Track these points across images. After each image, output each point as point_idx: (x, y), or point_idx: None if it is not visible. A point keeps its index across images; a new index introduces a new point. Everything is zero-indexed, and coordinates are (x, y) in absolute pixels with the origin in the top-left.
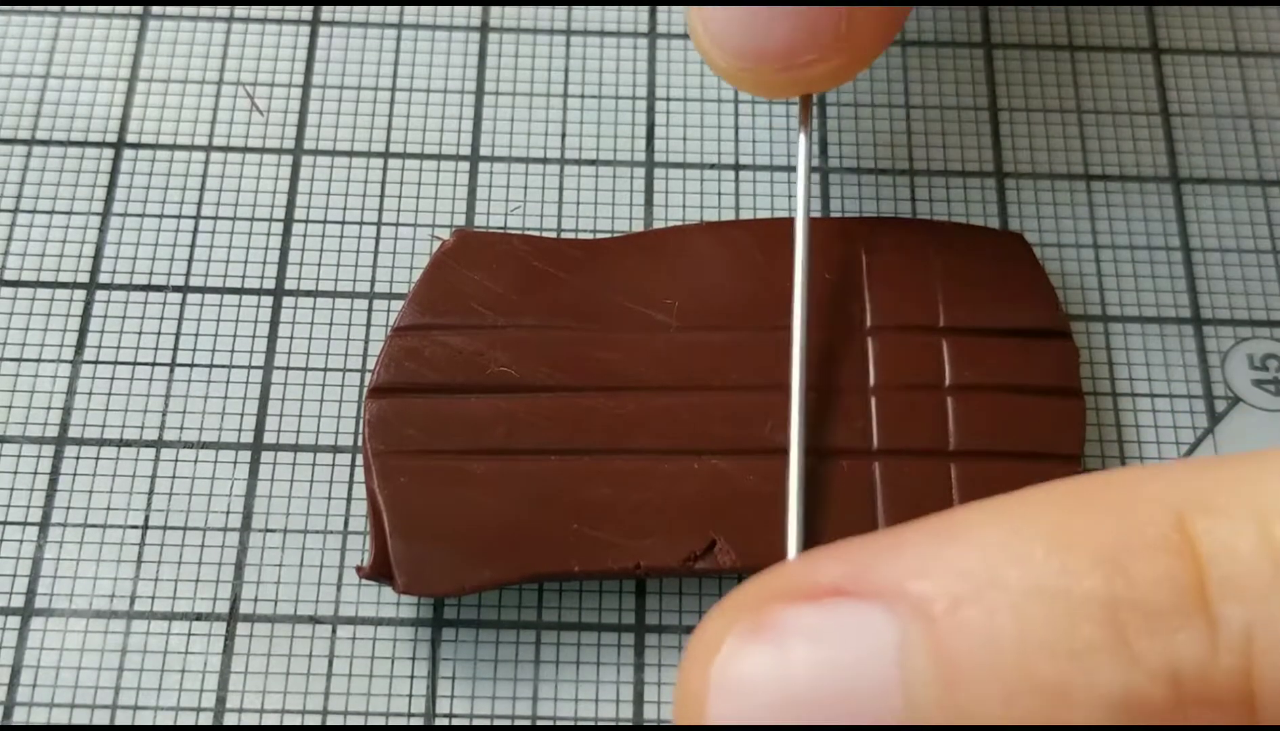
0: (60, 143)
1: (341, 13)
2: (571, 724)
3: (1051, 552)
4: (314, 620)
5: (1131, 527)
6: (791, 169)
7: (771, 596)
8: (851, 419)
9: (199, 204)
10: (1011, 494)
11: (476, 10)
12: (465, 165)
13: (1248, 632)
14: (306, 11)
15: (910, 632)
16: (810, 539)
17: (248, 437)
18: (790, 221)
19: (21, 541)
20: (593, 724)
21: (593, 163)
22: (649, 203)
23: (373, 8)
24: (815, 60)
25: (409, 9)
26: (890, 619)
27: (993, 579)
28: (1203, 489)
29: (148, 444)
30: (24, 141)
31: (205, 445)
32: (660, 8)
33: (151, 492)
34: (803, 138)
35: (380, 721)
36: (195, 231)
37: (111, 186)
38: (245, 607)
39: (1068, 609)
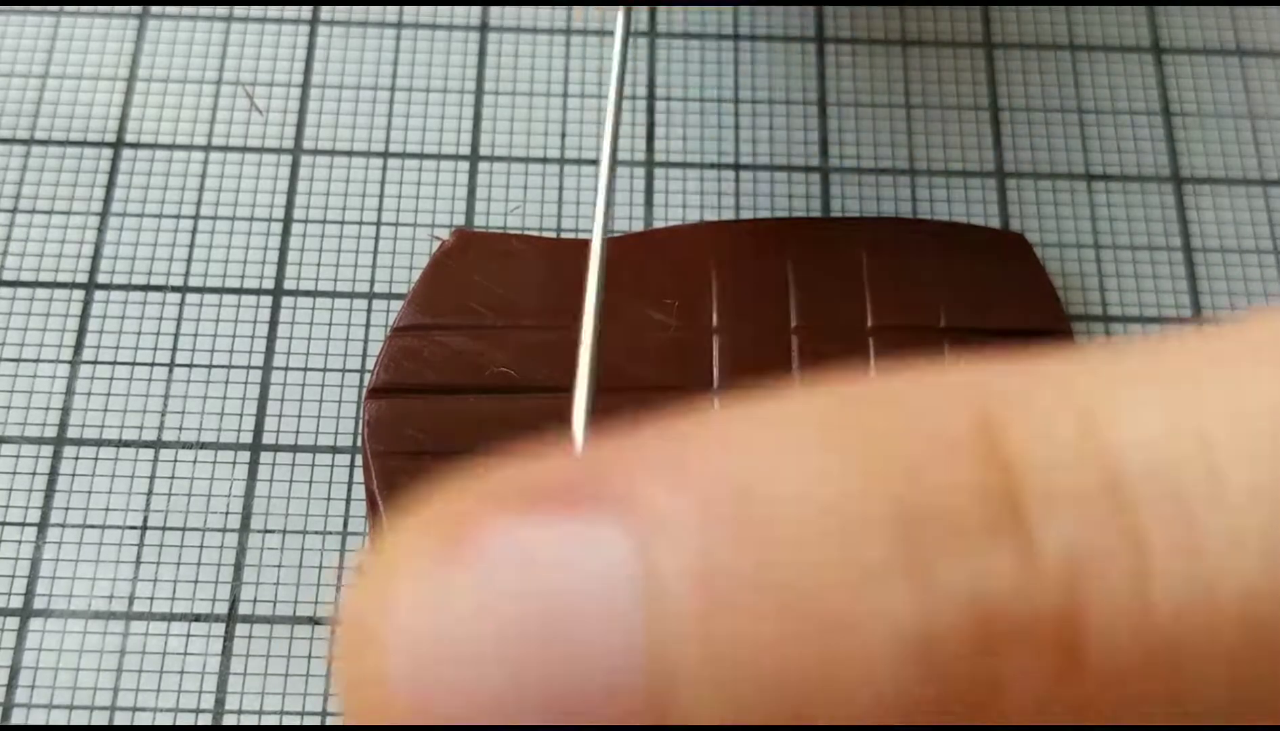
0: (59, 142)
1: (341, 12)
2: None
3: (833, 456)
4: (313, 621)
5: (929, 426)
6: (792, 168)
7: (474, 506)
8: None
9: (198, 204)
10: (789, 392)
11: (476, 10)
12: (465, 165)
13: (1071, 553)
14: (306, 11)
15: (653, 553)
16: None
17: (247, 438)
18: (791, 221)
19: (20, 542)
20: None
21: (593, 163)
22: (649, 203)
23: (372, 7)
24: None
25: (408, 9)
26: (626, 535)
27: (762, 486)
28: (1017, 386)
29: (147, 444)
30: (23, 141)
31: (204, 445)
32: (660, 8)
33: (150, 493)
34: (617, 43)
35: None
36: (194, 231)
37: (110, 186)
38: (244, 608)
39: (852, 523)
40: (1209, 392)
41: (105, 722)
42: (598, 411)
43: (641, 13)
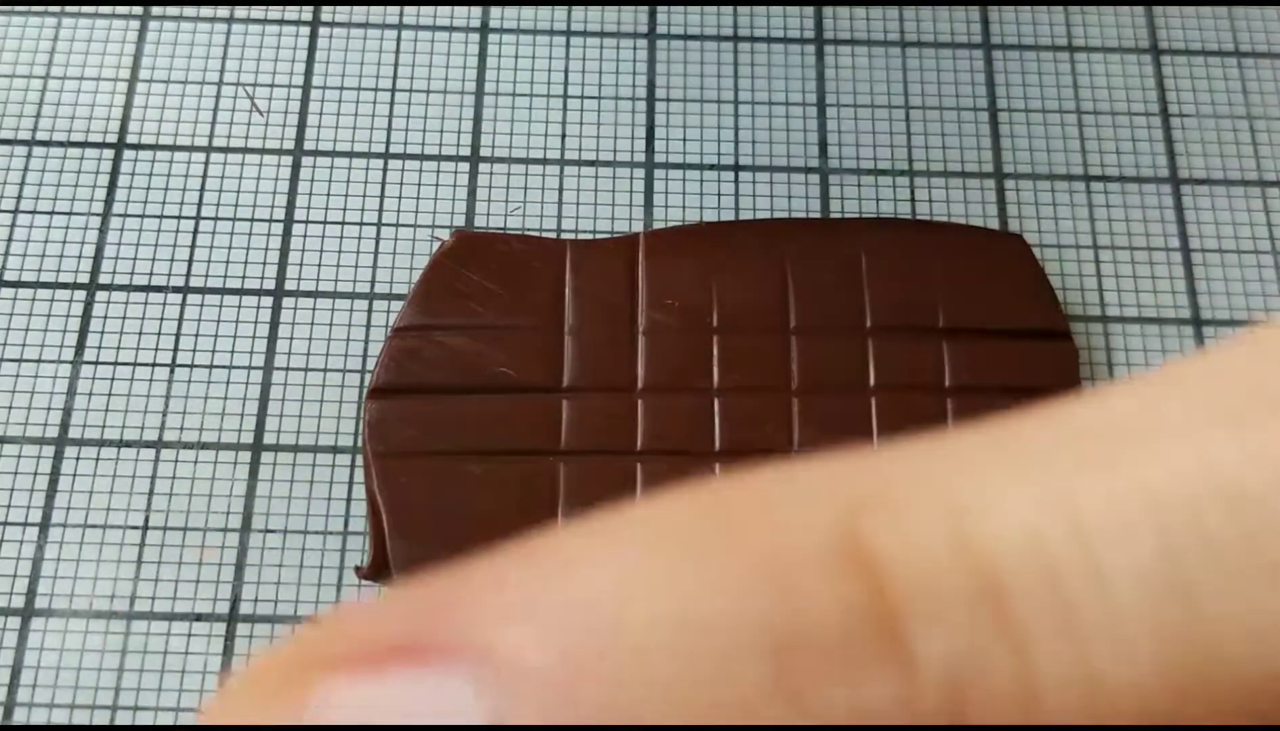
0: (60, 143)
1: (341, 13)
2: None
3: (692, 574)
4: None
5: (795, 538)
6: (792, 169)
7: (310, 662)
8: (851, 419)
9: (199, 205)
10: (638, 505)
11: (476, 11)
12: (465, 166)
13: (950, 665)
14: (306, 12)
15: (504, 700)
16: None
17: (248, 438)
18: (791, 221)
19: (22, 542)
20: None
21: (593, 163)
22: (649, 203)
23: (373, 8)
24: None
25: (409, 10)
26: (476, 684)
27: (621, 613)
28: (879, 482)
29: (148, 444)
30: (24, 142)
31: (205, 446)
32: (660, 8)
33: (151, 493)
34: None
35: None
36: (195, 232)
37: (112, 187)
38: (245, 608)
39: (721, 647)
40: (1080, 476)
41: (106, 722)
42: (601, 412)
43: (642, 13)
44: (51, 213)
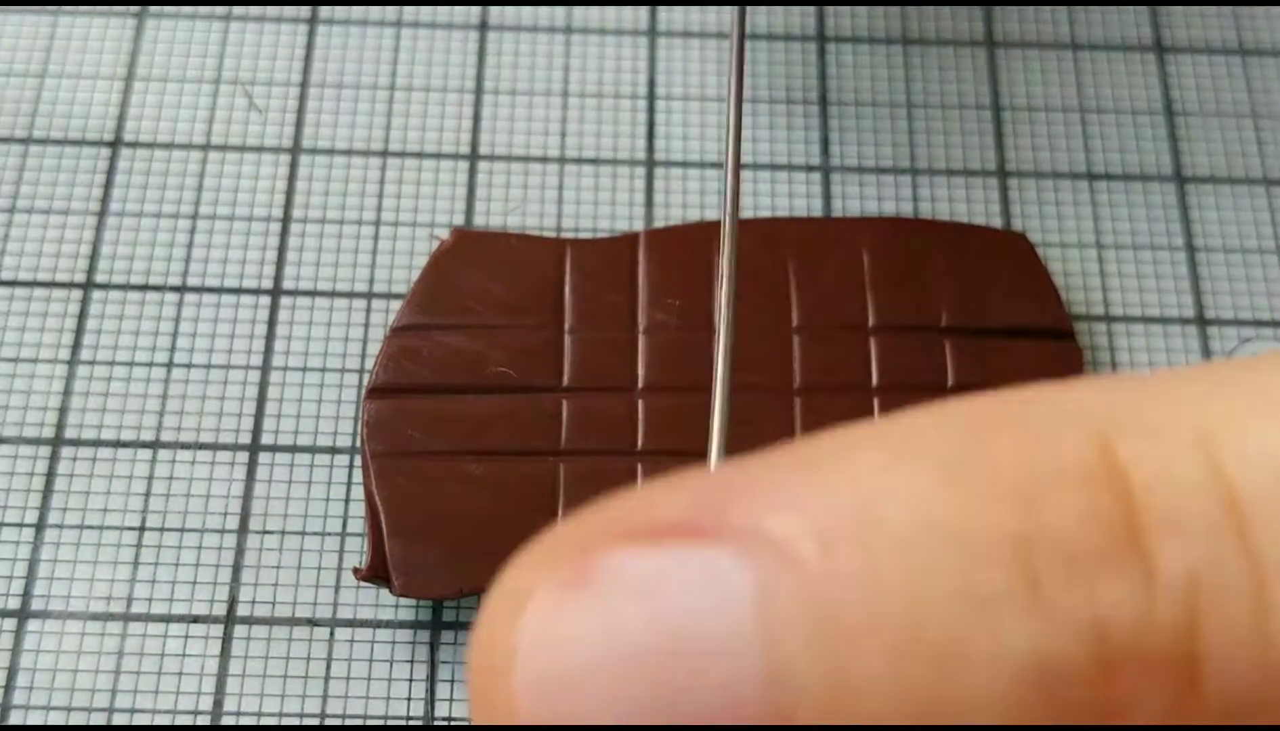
0: (57, 142)
1: (340, 11)
2: None
3: (946, 483)
4: (312, 622)
5: (1046, 453)
6: (793, 167)
7: (597, 536)
8: (854, 419)
9: (196, 203)
10: (899, 415)
11: (476, 9)
12: (464, 164)
13: (1191, 580)
14: (305, 10)
15: (770, 582)
16: None
17: (245, 438)
18: (792, 220)
19: (18, 543)
20: None
21: (593, 162)
22: (649, 202)
23: (371, 6)
24: None
25: (408, 7)
26: (745, 564)
27: (875, 514)
28: (1134, 407)
29: (144, 445)
30: (20, 140)
31: (202, 446)
32: (660, 7)
33: (148, 494)
34: (733, 53)
35: (379, 724)
36: (193, 231)
37: (108, 185)
38: (243, 609)
39: (967, 551)
40: None
41: (104, 723)
42: (601, 412)
43: (642, 11)
44: (48, 211)
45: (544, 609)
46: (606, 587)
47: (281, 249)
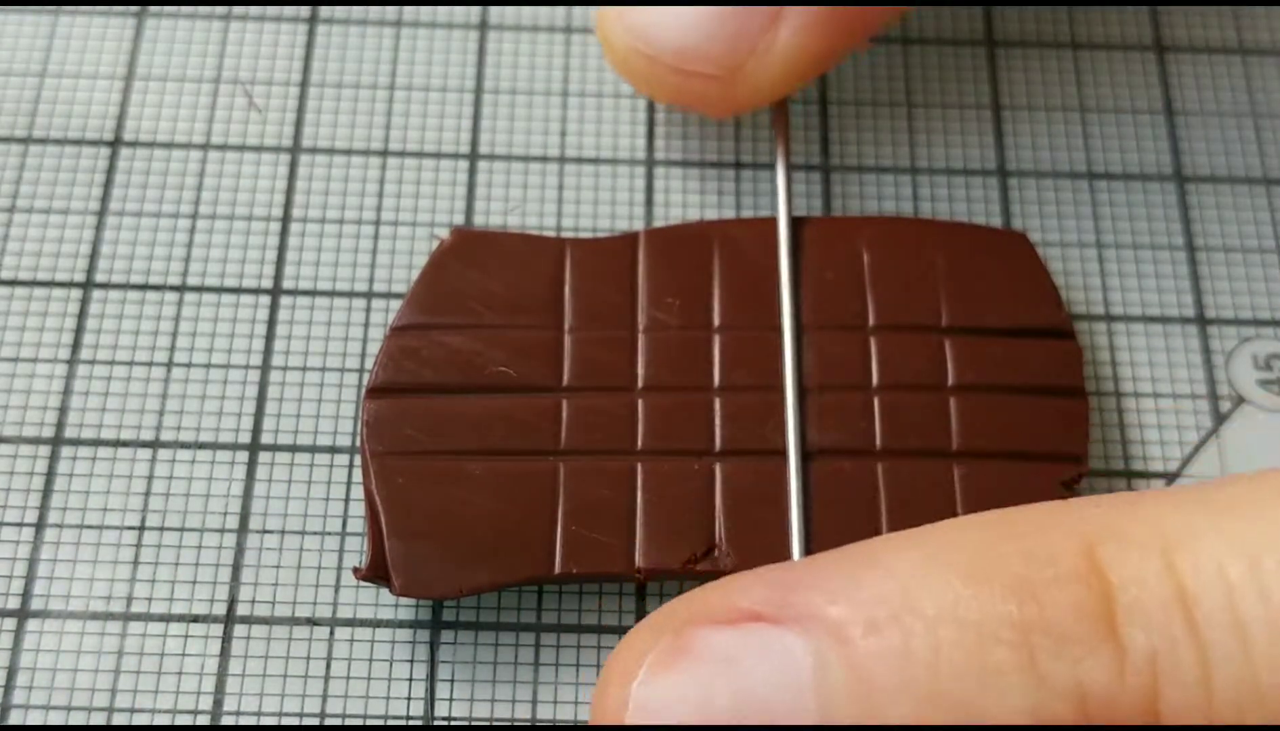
0: (57, 141)
1: (340, 10)
2: (571, 725)
3: (966, 581)
4: (311, 622)
5: (1044, 558)
6: (794, 167)
7: (692, 618)
8: (854, 419)
9: (196, 203)
10: (928, 526)
11: (476, 8)
12: (464, 164)
13: (1152, 656)
14: (304, 9)
15: (826, 656)
16: (813, 541)
17: (245, 438)
18: (792, 219)
19: (17, 542)
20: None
21: (593, 161)
22: (649, 202)
23: (371, 6)
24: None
25: (408, 7)
26: (806, 643)
27: (908, 605)
28: (1113, 521)
29: (144, 444)
30: (20, 140)
31: (202, 445)
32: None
33: (148, 493)
34: (780, 147)
35: (379, 723)
36: (192, 230)
37: (108, 185)
38: (242, 609)
39: (980, 633)
40: (1265, 530)
41: (103, 723)
42: (600, 412)
43: None
44: (48, 211)
45: (649, 675)
46: (698, 658)
47: (281, 248)
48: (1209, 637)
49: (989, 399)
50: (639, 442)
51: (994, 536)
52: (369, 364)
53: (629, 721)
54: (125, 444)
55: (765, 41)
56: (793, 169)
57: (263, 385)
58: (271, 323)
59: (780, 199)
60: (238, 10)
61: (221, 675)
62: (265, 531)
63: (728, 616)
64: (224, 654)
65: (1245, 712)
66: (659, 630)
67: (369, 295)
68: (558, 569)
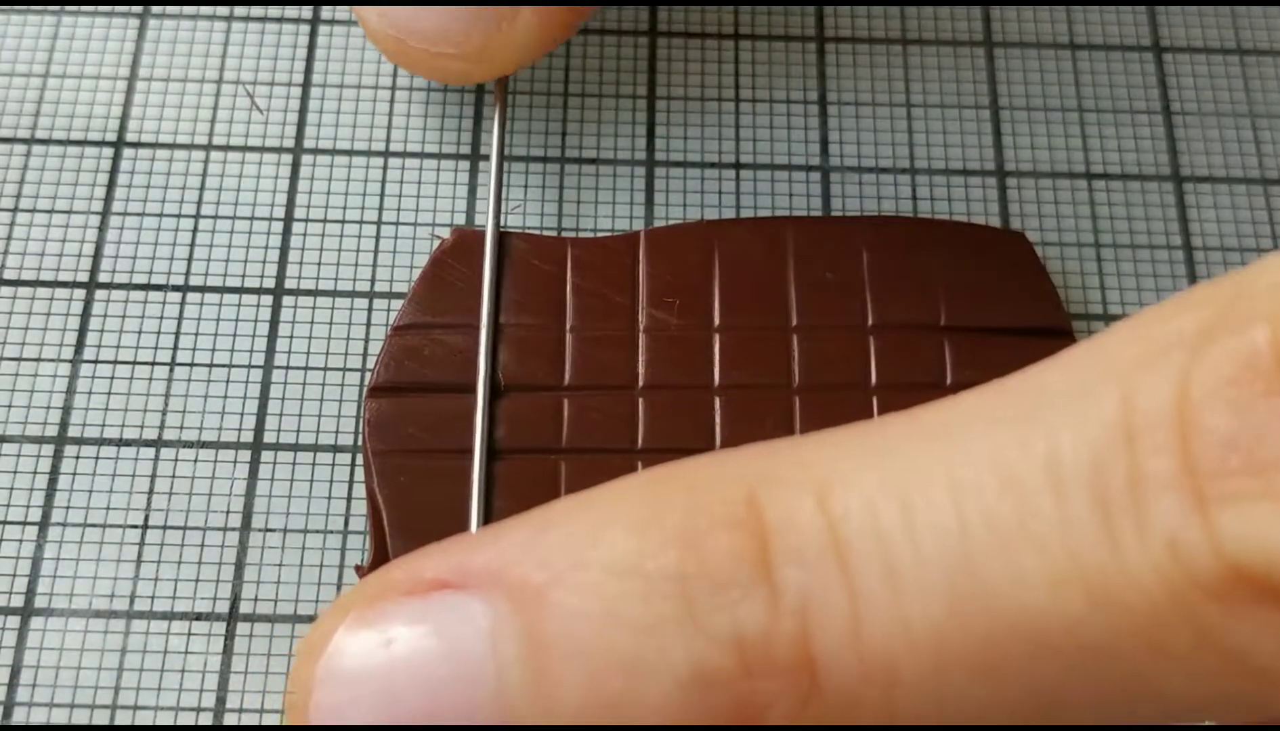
0: (60, 142)
1: (342, 11)
2: None
3: (630, 534)
4: (314, 620)
5: (705, 506)
6: (793, 167)
7: (379, 592)
8: (853, 419)
9: (199, 203)
10: (604, 484)
11: None
12: (465, 164)
13: (804, 596)
14: (306, 10)
15: (502, 617)
16: None
17: (248, 437)
18: (792, 220)
19: (21, 541)
20: None
21: (593, 161)
22: (649, 202)
23: (373, 7)
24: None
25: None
26: (485, 605)
27: (577, 561)
28: (774, 465)
29: (147, 443)
30: (24, 140)
31: (205, 444)
32: (660, 7)
33: (151, 492)
34: (496, 124)
35: None
36: (195, 230)
37: (111, 185)
38: (245, 607)
39: (643, 586)
40: (913, 465)
41: (106, 722)
42: (601, 411)
43: (642, 11)
44: (51, 211)
45: (336, 647)
46: (383, 628)
47: (283, 248)
48: (860, 583)
49: None
50: (639, 441)
51: (662, 489)
52: (371, 363)
53: (316, 696)
54: (128, 443)
55: (506, 26)
56: (791, 169)
57: (265, 384)
58: (274, 322)
59: (493, 163)
60: (240, 11)
61: (224, 673)
62: (268, 530)
63: (413, 587)
64: (227, 652)
65: (896, 658)
66: (346, 607)
67: (370, 295)
68: None
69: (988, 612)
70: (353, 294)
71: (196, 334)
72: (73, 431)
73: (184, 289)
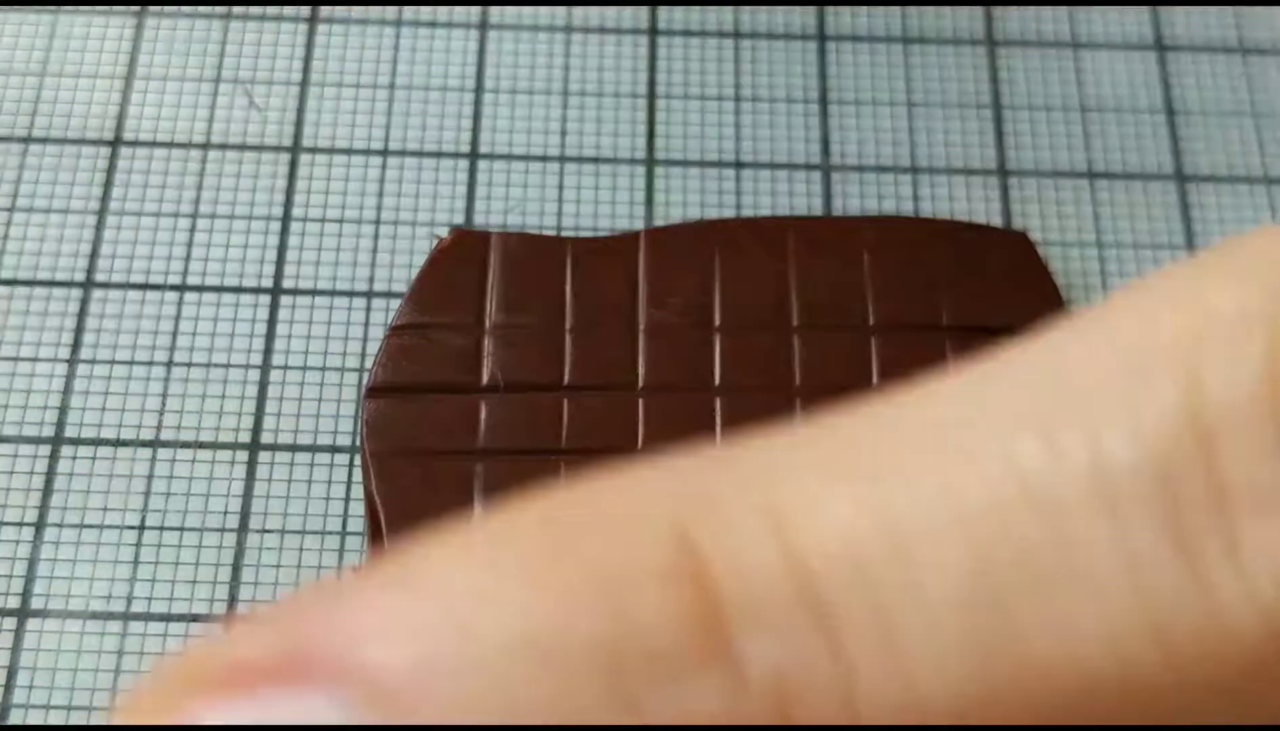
0: (57, 141)
1: (340, 10)
2: None
3: (534, 590)
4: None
5: (629, 549)
6: (794, 166)
7: (188, 685)
8: None
9: (196, 202)
10: (485, 519)
11: (476, 8)
12: (464, 163)
13: (776, 671)
14: (305, 9)
15: (362, 717)
16: None
17: (245, 437)
18: (793, 220)
19: (18, 542)
20: None
21: (593, 161)
22: (649, 202)
23: (371, 6)
24: None
25: (408, 7)
26: (335, 705)
27: (463, 632)
28: (710, 488)
29: (144, 443)
30: (20, 139)
31: (202, 445)
32: (660, 7)
33: (148, 493)
34: None
35: None
36: (192, 230)
37: (108, 184)
38: (243, 608)
39: (558, 664)
40: (896, 481)
41: (104, 722)
42: (602, 411)
43: (642, 10)
44: (48, 210)
45: None
46: None
47: (281, 248)
48: (850, 644)
49: None
50: (640, 441)
51: (569, 525)
52: (369, 363)
53: None
54: (125, 443)
55: None
56: (792, 168)
57: (263, 384)
58: (271, 322)
59: None
60: (238, 10)
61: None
62: (265, 530)
63: (231, 678)
64: None
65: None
66: (140, 706)
67: (369, 294)
68: None
69: (1022, 673)
70: (351, 294)
71: (194, 334)
72: (69, 431)
73: (181, 288)
